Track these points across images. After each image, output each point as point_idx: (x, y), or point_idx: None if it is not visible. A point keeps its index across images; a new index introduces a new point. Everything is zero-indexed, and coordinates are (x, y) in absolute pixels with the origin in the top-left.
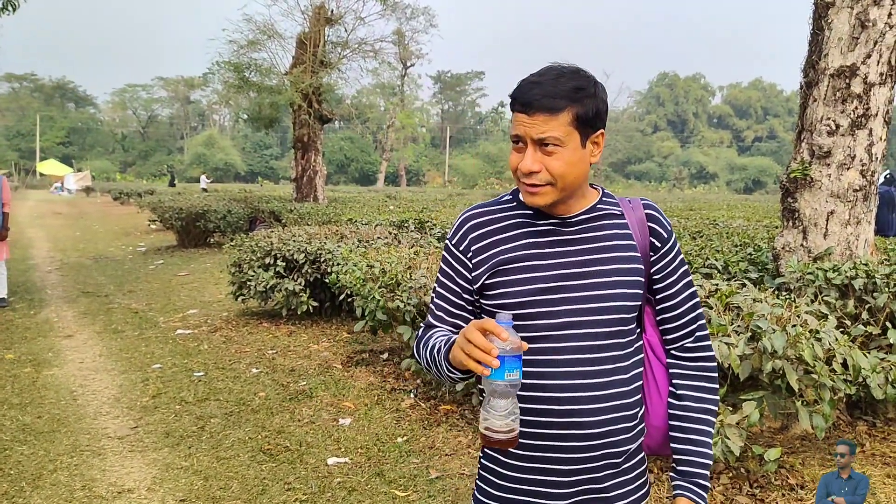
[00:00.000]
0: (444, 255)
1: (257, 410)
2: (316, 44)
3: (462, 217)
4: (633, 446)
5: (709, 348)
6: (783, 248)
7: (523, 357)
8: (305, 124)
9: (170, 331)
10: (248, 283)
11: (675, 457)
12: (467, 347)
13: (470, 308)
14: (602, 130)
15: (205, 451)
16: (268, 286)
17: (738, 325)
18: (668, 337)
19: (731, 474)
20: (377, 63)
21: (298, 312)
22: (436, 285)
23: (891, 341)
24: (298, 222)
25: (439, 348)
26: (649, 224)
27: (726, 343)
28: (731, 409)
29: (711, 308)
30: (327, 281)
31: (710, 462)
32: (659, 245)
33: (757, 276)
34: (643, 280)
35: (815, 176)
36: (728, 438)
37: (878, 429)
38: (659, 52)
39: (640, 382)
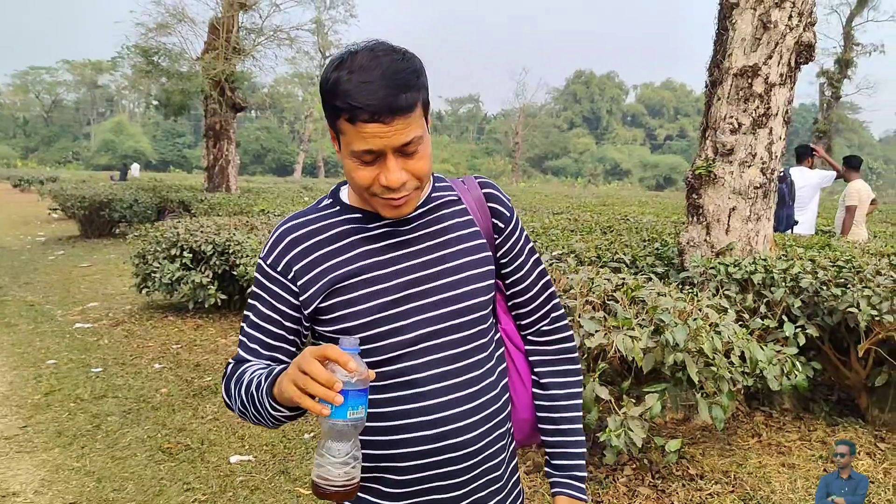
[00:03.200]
0: (257, 278)
1: (158, 408)
2: (229, 29)
3: (278, 231)
4: (508, 452)
5: (567, 328)
6: (688, 244)
7: (377, 384)
8: (216, 113)
9: (67, 324)
10: (153, 274)
11: (548, 450)
12: (302, 380)
13: (292, 338)
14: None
15: (99, 451)
16: (174, 278)
17: (643, 319)
18: (524, 322)
19: (634, 465)
20: (294, 52)
21: (206, 305)
22: (248, 313)
23: (786, 334)
24: (209, 213)
25: (259, 383)
26: (489, 205)
27: (630, 336)
28: (634, 401)
29: (618, 302)
30: (235, 273)
31: (584, 450)
32: (502, 226)
33: (663, 271)
34: (493, 268)
35: (719, 173)
36: (631, 430)
37: (774, 419)
38: (575, 51)
39: (506, 380)
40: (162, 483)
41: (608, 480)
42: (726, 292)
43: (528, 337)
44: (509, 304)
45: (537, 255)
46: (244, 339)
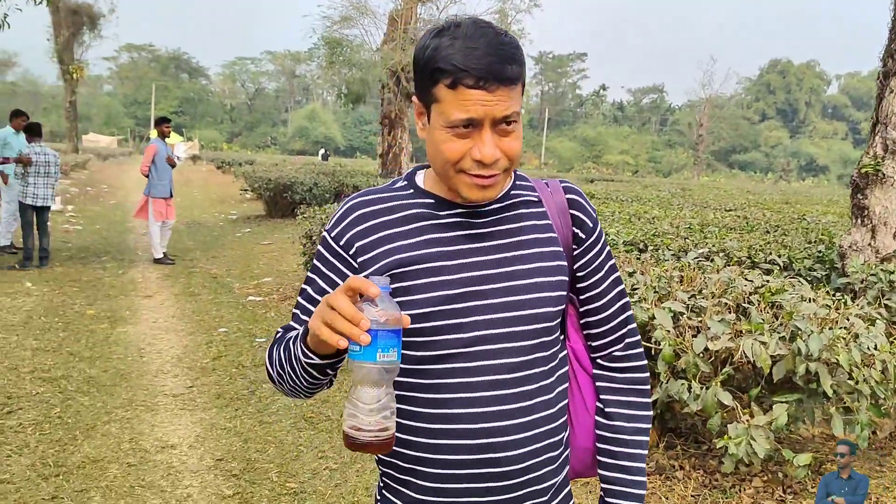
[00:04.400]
0: (319, 250)
1: None
2: (407, 21)
3: (346, 205)
4: (559, 478)
5: (640, 357)
6: (850, 247)
7: (426, 382)
8: (392, 102)
9: (242, 297)
10: None
11: (603, 486)
12: (329, 316)
13: None
14: None
15: (250, 415)
16: None
17: (778, 325)
18: (595, 344)
19: (765, 478)
20: None
21: None
22: (306, 286)
23: None
24: None
25: (297, 335)
26: (572, 212)
27: (760, 342)
28: (760, 410)
29: (754, 305)
30: None
31: (644, 491)
32: (583, 236)
33: (822, 275)
34: (567, 279)
35: (888, 172)
36: (754, 440)
37: None
38: (771, 39)
39: (566, 401)
40: (300, 449)
41: (733, 490)
42: (886, 301)
43: (598, 361)
44: (581, 321)
45: (618, 273)
46: (297, 312)
